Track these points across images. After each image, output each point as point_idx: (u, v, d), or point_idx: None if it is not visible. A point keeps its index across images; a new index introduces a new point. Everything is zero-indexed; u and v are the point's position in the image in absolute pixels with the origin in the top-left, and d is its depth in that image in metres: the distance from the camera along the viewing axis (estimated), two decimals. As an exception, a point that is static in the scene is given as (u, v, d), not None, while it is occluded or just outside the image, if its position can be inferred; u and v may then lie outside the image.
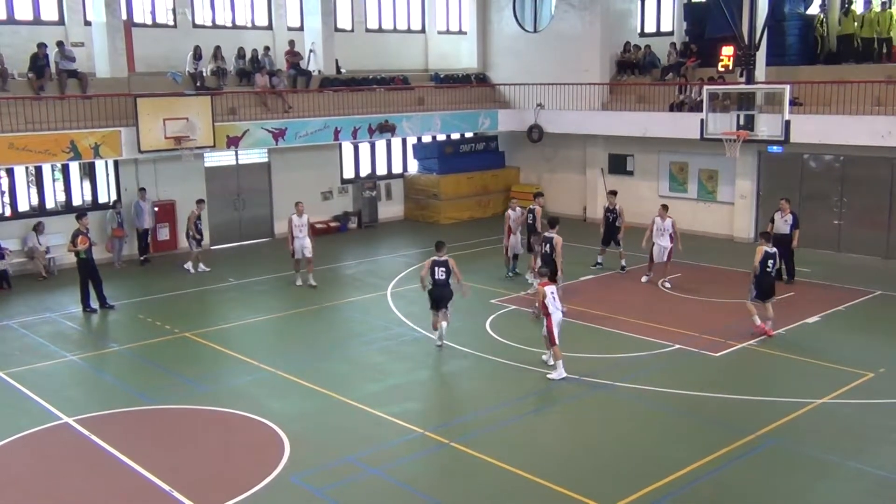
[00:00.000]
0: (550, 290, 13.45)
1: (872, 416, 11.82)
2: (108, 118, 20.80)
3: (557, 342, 13.21)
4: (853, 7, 23.83)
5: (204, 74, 23.46)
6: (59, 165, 21.40)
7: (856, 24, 23.54)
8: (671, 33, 27.84)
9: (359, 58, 27.78)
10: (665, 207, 18.99)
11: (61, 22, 22.64)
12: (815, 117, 21.19)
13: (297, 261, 19.36)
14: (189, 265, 20.73)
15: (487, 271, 19.70)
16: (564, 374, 13.16)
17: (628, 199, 26.26)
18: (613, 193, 20.83)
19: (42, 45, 20.80)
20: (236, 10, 25.98)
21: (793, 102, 20.49)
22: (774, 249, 15.29)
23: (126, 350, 15.14)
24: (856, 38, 23.55)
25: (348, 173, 27.28)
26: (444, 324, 14.68)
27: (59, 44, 21.25)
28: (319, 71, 26.11)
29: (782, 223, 18.46)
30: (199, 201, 21.23)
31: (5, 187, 20.98)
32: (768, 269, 15.08)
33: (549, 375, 13.22)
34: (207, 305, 18.18)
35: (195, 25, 24.80)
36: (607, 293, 18.53)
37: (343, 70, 26.99)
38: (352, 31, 28.35)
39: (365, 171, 27.81)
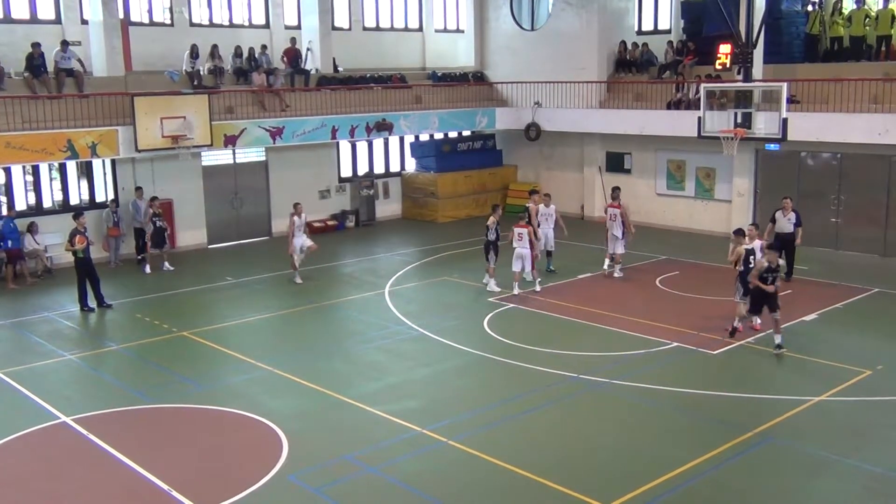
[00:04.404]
0: (518, 230, 17.77)
1: (870, 414, 11.82)
2: (106, 117, 20.77)
3: (513, 269, 17.84)
4: (852, 6, 23.82)
5: (201, 73, 23.44)
6: (56, 164, 21.38)
7: (849, 22, 23.56)
8: (668, 31, 27.86)
9: (356, 56, 27.77)
10: (756, 226, 16.14)
11: (58, 21, 22.63)
12: (813, 115, 21.20)
13: (295, 259, 19.52)
14: (147, 267, 20.62)
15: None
16: (496, 289, 18.15)
17: (626, 198, 26.30)
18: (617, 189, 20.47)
19: (36, 45, 20.74)
20: (233, 8, 25.97)
21: (790, 100, 20.52)
22: (752, 246, 15.28)
23: (124, 349, 15.12)
24: (848, 37, 23.58)
25: (346, 172, 27.27)
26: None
27: (63, 43, 21.21)
28: (317, 69, 26.09)
29: (786, 222, 18.29)
30: (151, 198, 20.87)
31: (2, 186, 20.96)
32: (750, 266, 15.11)
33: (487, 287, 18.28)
34: (205, 304, 18.16)
35: (192, 24, 24.80)
36: (606, 290, 18.53)
37: (340, 69, 26.98)
38: (349, 29, 28.35)
39: (362, 169, 27.81)
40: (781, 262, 13.90)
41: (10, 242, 19.51)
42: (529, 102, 27.54)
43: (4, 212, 20.81)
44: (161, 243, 20.73)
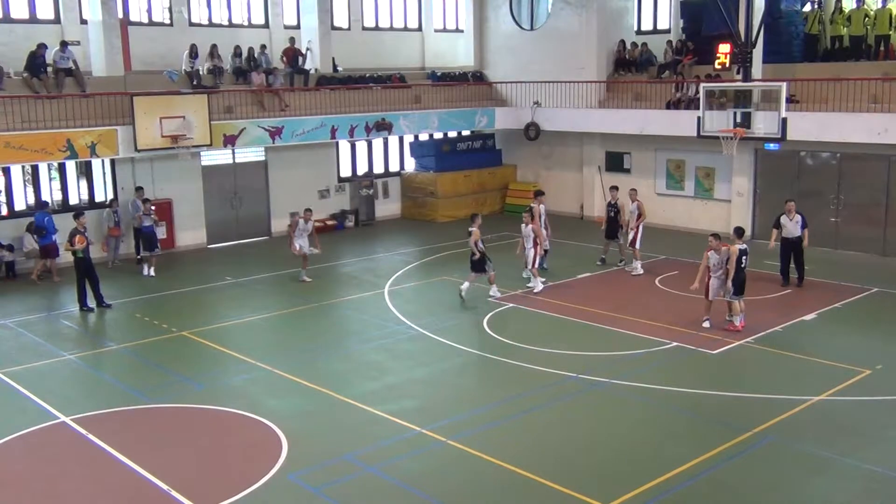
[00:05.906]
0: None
1: (869, 413, 11.83)
2: (105, 117, 20.76)
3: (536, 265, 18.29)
4: (851, 6, 23.84)
5: (200, 73, 23.44)
6: (55, 164, 21.37)
7: (849, 21, 23.58)
8: (668, 31, 27.86)
9: (355, 56, 27.77)
10: (717, 237, 15.55)
11: (57, 20, 22.62)
12: (812, 114, 21.21)
13: (303, 257, 19.44)
14: (148, 269, 20.30)
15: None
16: (541, 287, 18.08)
17: (624, 197, 26.35)
18: (615, 188, 20.84)
19: (42, 46, 20.73)
20: (233, 8, 25.96)
21: (789, 100, 20.54)
22: (745, 246, 15.35)
23: (123, 349, 15.12)
24: (848, 36, 23.59)
25: (345, 172, 27.27)
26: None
27: (63, 43, 21.20)
28: (316, 69, 26.09)
29: (792, 226, 18.01)
30: (143, 200, 20.73)
31: (2, 186, 20.95)
32: (742, 266, 15.17)
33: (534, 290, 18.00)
34: (205, 304, 18.15)
35: (191, 24, 24.80)
36: (605, 290, 18.54)
37: (340, 68, 26.97)
38: (348, 29, 28.35)
39: (362, 169, 27.81)
40: None
41: (52, 237, 19.59)
42: (529, 102, 27.53)
43: (4, 211, 20.84)
44: (150, 246, 20.37)
